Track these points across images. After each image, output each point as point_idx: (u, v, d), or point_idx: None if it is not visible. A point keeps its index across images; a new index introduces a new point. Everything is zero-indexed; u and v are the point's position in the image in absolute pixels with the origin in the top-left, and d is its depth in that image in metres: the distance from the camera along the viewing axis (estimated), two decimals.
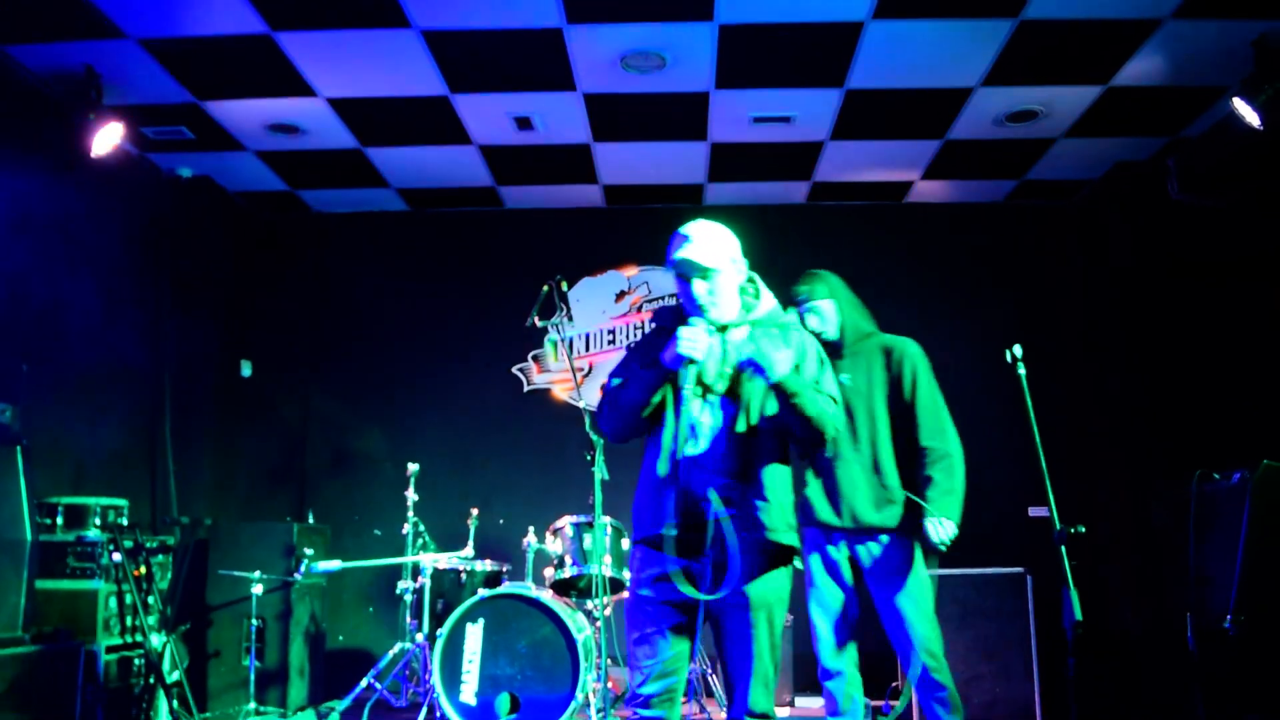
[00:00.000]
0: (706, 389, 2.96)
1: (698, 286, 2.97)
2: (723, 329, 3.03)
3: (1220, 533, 3.91)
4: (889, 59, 5.39)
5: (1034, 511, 6.93)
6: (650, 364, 2.96)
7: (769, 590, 2.90)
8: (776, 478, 2.95)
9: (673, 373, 2.90)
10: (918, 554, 3.88)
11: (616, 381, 3.08)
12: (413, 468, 5.69)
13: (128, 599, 5.12)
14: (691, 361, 2.85)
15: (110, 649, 5.00)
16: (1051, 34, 5.11)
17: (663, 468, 2.91)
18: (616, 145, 6.45)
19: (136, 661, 5.18)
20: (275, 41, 5.19)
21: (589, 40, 5.20)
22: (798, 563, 2.98)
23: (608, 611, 5.77)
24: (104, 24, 5.00)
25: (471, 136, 6.30)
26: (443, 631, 4.83)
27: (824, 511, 3.93)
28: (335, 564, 5.44)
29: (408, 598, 5.32)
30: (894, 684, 6.14)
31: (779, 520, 2.90)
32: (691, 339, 2.84)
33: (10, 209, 5.36)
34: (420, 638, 5.38)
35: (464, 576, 5.24)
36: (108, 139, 5.48)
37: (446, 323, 7.38)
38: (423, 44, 5.21)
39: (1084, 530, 3.04)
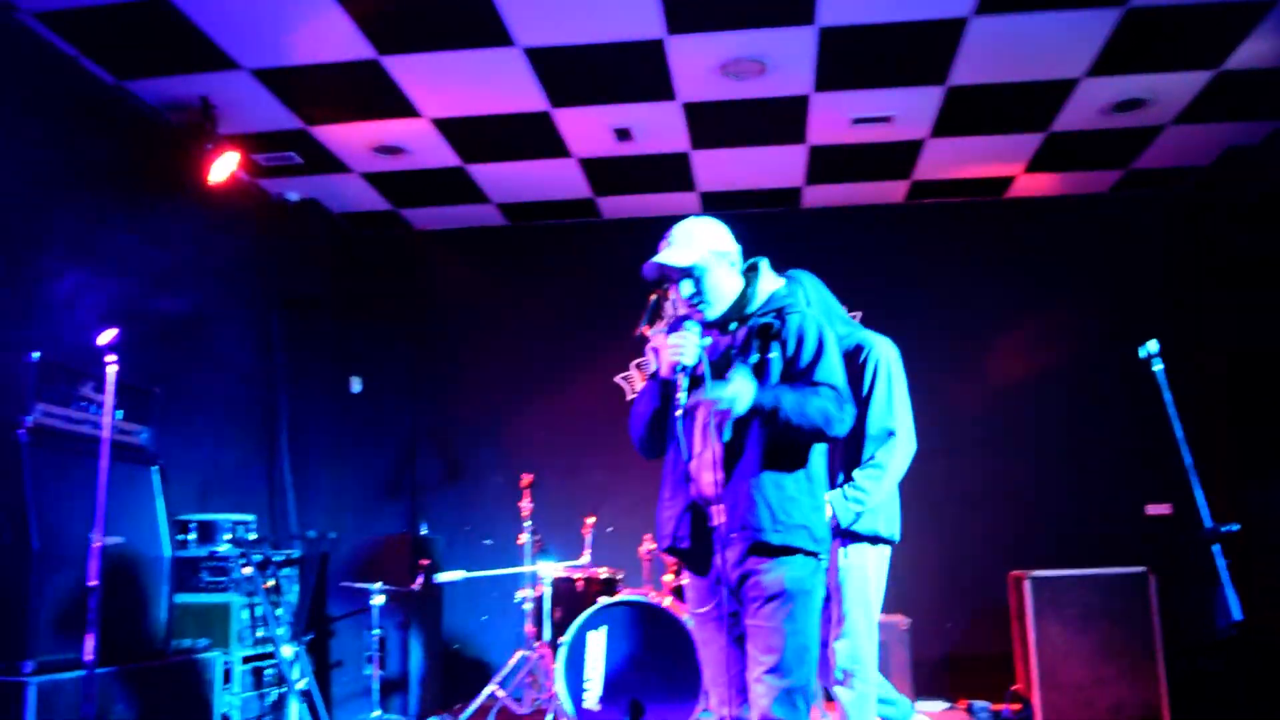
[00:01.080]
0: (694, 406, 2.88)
1: (683, 289, 2.95)
2: (724, 326, 3.00)
3: None
4: (992, 54, 5.31)
5: (1152, 509, 6.77)
6: (651, 375, 2.97)
7: (774, 581, 2.77)
8: (780, 480, 2.82)
9: (670, 385, 2.87)
10: None
11: (635, 404, 3.11)
12: (527, 478, 5.78)
13: (258, 610, 5.29)
14: (685, 369, 2.82)
15: (245, 659, 5.17)
16: (1160, 20, 5.00)
17: (671, 479, 2.94)
18: (715, 152, 6.48)
19: (268, 671, 5.35)
20: (382, 66, 5.32)
21: (689, 50, 5.23)
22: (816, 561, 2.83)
23: None
24: (219, 56, 5.19)
25: (571, 149, 6.39)
26: (565, 639, 4.89)
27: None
28: (459, 574, 5.54)
29: (527, 606, 5.40)
30: (1014, 687, 6.05)
31: (770, 520, 2.77)
32: (678, 346, 2.83)
33: (135, 237, 5.59)
34: (539, 645, 5.45)
35: (581, 584, 5.30)
36: (225, 167, 5.69)
37: (548, 333, 7.48)
38: (526, 61, 5.30)
39: (1237, 529, 2.96)
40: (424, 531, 6.80)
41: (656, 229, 7.58)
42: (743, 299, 3.02)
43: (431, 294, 7.66)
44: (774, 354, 2.91)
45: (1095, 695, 5.63)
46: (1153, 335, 6.79)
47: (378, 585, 5.83)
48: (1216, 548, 2.98)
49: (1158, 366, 3.39)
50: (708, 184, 6.99)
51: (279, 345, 6.84)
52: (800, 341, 2.91)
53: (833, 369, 2.90)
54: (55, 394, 4.24)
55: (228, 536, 5.38)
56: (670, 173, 6.77)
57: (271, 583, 5.41)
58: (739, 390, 2.75)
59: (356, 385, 7.42)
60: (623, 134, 6.16)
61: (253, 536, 5.52)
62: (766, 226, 7.38)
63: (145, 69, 5.34)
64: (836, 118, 6.02)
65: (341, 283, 7.41)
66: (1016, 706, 5.95)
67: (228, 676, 5.02)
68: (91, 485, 4.42)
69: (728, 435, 2.84)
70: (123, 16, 4.80)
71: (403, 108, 5.78)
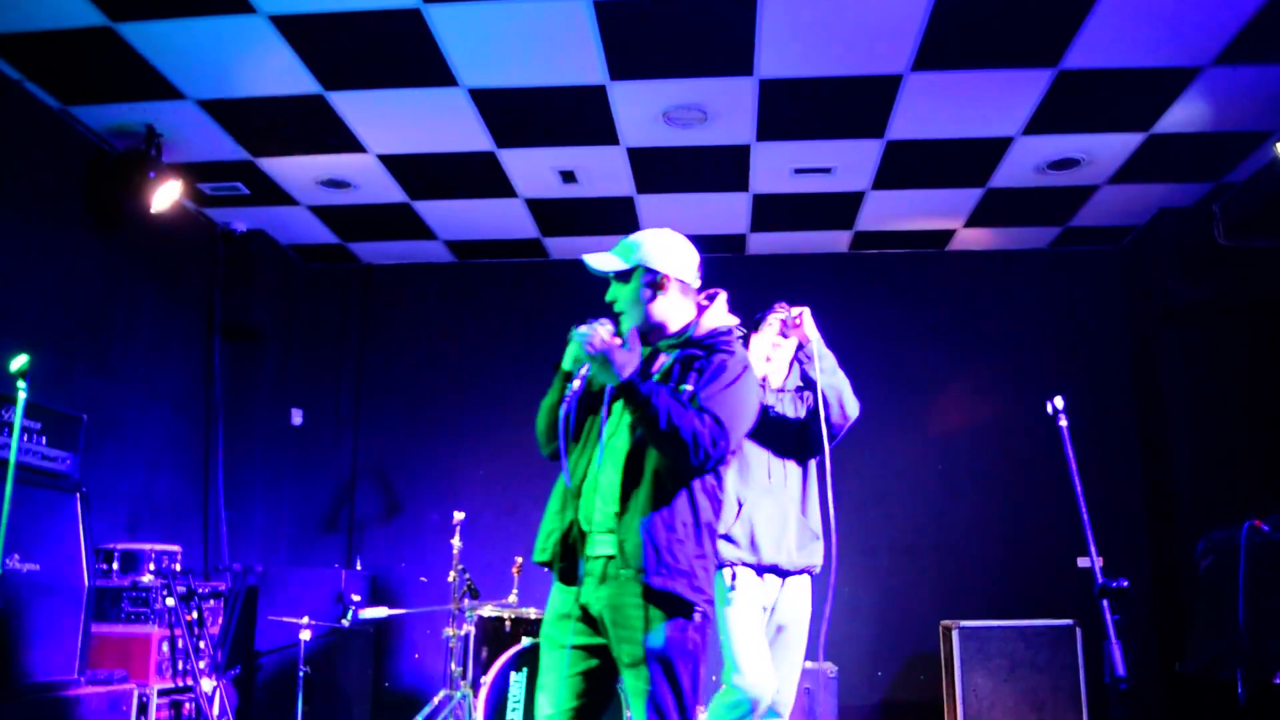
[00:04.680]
0: (603, 404, 2.74)
1: (610, 292, 2.89)
2: (654, 349, 2.88)
3: (1271, 587, 3.85)
4: (929, 110, 5.44)
5: (1083, 563, 6.83)
6: (554, 367, 2.83)
7: (656, 641, 2.55)
8: (667, 511, 2.62)
9: (570, 379, 2.72)
10: None
11: None
12: (459, 516, 5.77)
13: (179, 643, 5.21)
14: (586, 360, 2.65)
15: (163, 692, 5.09)
16: (1091, 83, 5.15)
17: (560, 484, 2.78)
18: (659, 197, 6.55)
19: (187, 705, 5.26)
20: (328, 101, 5.36)
21: (632, 96, 5.31)
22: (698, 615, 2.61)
23: None
24: (164, 85, 5.20)
25: (517, 190, 6.44)
26: (486, 679, 4.86)
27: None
28: (381, 611, 5.50)
29: (453, 644, 5.36)
30: None
31: (654, 561, 2.56)
32: (588, 335, 2.63)
33: (70, 263, 5.56)
34: (465, 685, 5.41)
35: (509, 624, 5.26)
36: (167, 195, 5.69)
37: (492, 371, 7.48)
38: (470, 102, 5.36)
39: (1126, 585, 3.00)
40: (358, 567, 6.74)
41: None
42: (685, 326, 2.88)
43: (377, 328, 7.66)
44: (687, 385, 2.73)
45: None
46: (1095, 389, 7.00)
47: (305, 620, 5.77)
48: (1105, 603, 3.01)
49: (1062, 422, 3.44)
50: (653, 226, 7.03)
51: (219, 375, 6.80)
52: (714, 374, 2.73)
53: (725, 403, 2.66)
54: None
55: (151, 567, 5.32)
56: (616, 215, 6.83)
57: (194, 615, 5.34)
58: (628, 357, 2.63)
59: (297, 418, 7.38)
60: (568, 176, 6.22)
61: (178, 568, 5.46)
62: (713, 271, 7.45)
63: (90, 95, 5.34)
64: (778, 167, 6.11)
65: (287, 315, 7.39)
66: None
67: (144, 709, 4.94)
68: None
69: (629, 446, 2.68)
70: (68, 42, 4.82)
71: (349, 143, 5.81)
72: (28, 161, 5.27)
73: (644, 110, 5.45)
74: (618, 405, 2.75)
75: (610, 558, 2.65)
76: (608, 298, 2.92)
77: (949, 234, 7.13)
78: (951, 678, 5.96)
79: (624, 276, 2.88)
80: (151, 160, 5.64)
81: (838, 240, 7.26)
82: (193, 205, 6.62)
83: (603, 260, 2.89)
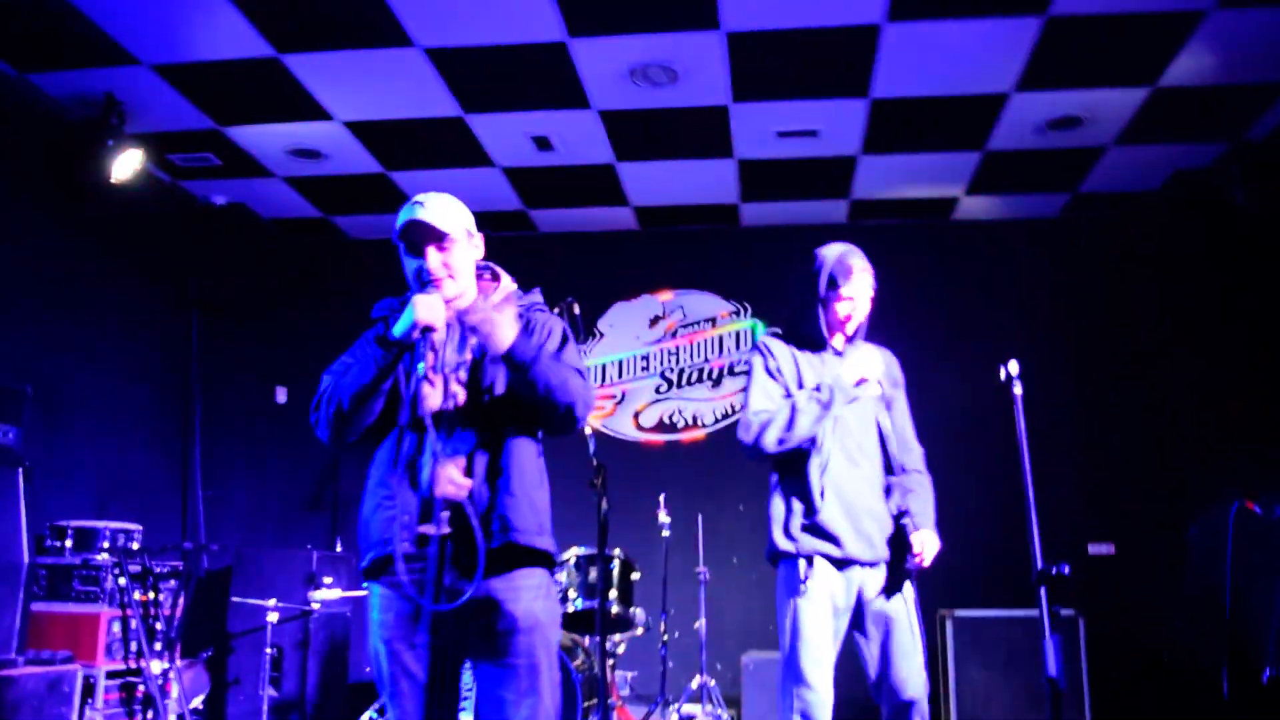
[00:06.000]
0: (444, 379, 2.51)
1: (431, 257, 2.56)
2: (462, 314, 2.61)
3: (1259, 570, 3.50)
4: (912, 65, 5.12)
5: (1095, 549, 6.47)
6: (378, 339, 2.50)
7: (535, 607, 2.48)
8: (529, 474, 2.54)
9: (404, 350, 2.46)
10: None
11: (332, 377, 2.63)
12: None
13: (132, 624, 5.08)
14: (429, 330, 2.41)
15: (112, 674, 4.96)
16: (1085, 31, 4.78)
17: (398, 465, 2.49)
18: (641, 165, 6.29)
19: (140, 687, 5.13)
20: (283, 64, 5.18)
21: (594, 54, 5.06)
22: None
23: (622, 649, 5.55)
24: (117, 50, 5.05)
25: (493, 158, 6.21)
26: None
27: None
28: (335, 593, 5.33)
29: None
30: None
31: (531, 521, 2.48)
32: (430, 304, 2.42)
33: (35, 236, 5.45)
34: None
35: None
36: (127, 165, 5.53)
37: None
38: (428, 62, 5.14)
39: (1067, 571, 2.70)
40: (338, 548, 6.59)
41: (592, 244, 7.49)
42: (486, 292, 2.74)
43: (363, 304, 7.46)
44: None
45: None
46: (1102, 362, 6.61)
47: (271, 602, 5.62)
48: (1043, 590, 2.71)
49: (1017, 389, 3.11)
50: (641, 198, 6.80)
51: (196, 352, 6.67)
52: (548, 334, 2.64)
53: (579, 361, 2.63)
54: None
55: (105, 545, 5.19)
56: (599, 185, 6.58)
57: (149, 595, 5.21)
58: (508, 319, 2.44)
59: (282, 395, 7.24)
60: (542, 143, 5.98)
61: (135, 546, 5.33)
62: (706, 244, 7.18)
63: (46, 63, 5.21)
64: (761, 130, 5.82)
65: (268, 290, 7.25)
66: None
67: (90, 691, 4.82)
68: None
69: (486, 415, 2.51)
70: (15, 6, 4.67)
71: (312, 109, 5.63)
72: None
73: (609, 69, 5.19)
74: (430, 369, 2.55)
75: None
76: (430, 261, 2.58)
77: (952, 202, 6.76)
78: (944, 669, 5.65)
79: (442, 236, 2.61)
80: (112, 129, 5.50)
81: (835, 210, 6.93)
82: (168, 178, 6.48)
83: (437, 216, 2.61)
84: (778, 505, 3.22)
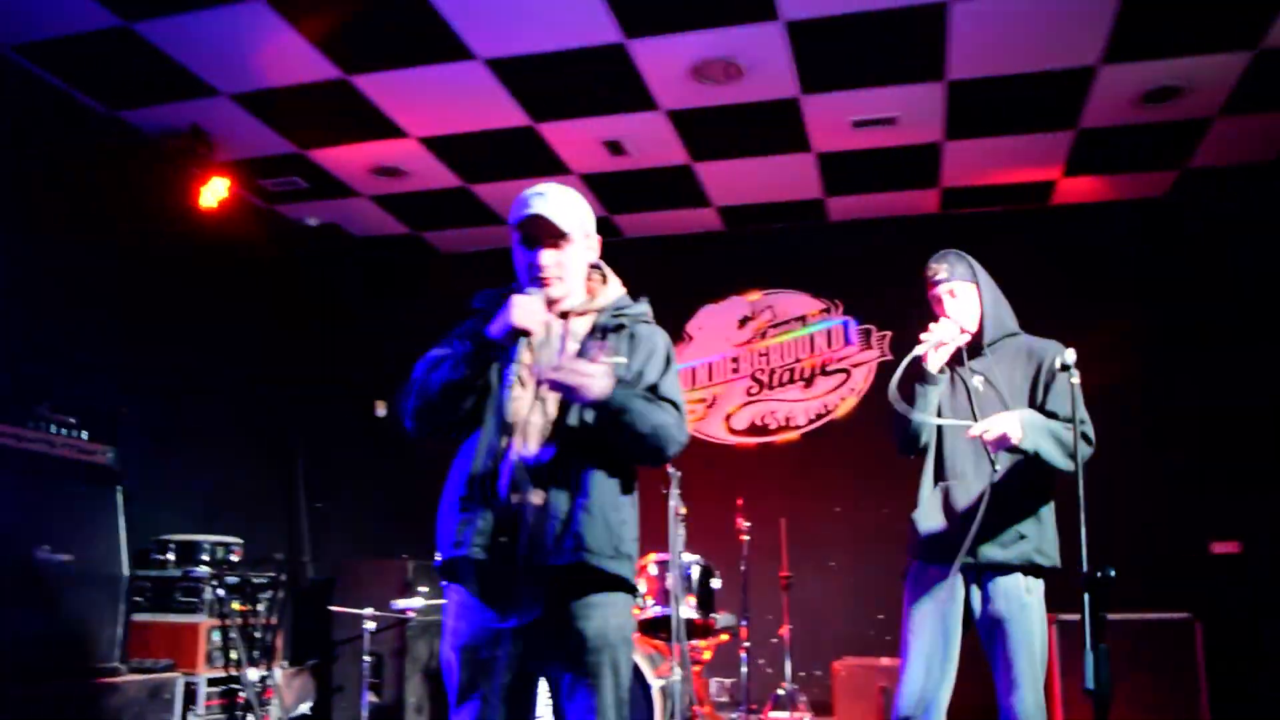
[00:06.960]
0: (536, 384, 2.42)
1: (546, 255, 2.47)
2: (564, 315, 2.54)
3: None
4: (986, 42, 4.87)
5: (1218, 548, 6.03)
6: (472, 337, 2.43)
7: (607, 626, 2.39)
8: (610, 494, 2.43)
9: (498, 351, 2.38)
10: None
11: (425, 366, 2.54)
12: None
13: (231, 634, 5.27)
14: (525, 333, 2.35)
15: (213, 681, 5.15)
16: None
17: (478, 468, 2.39)
18: (719, 164, 6.20)
19: (242, 694, 5.31)
20: (353, 85, 5.29)
21: (653, 53, 5.00)
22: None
23: (708, 655, 5.45)
24: (196, 83, 5.26)
25: (569, 166, 6.22)
26: None
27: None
28: (418, 601, 5.41)
29: None
30: None
31: (605, 542, 2.38)
32: (529, 307, 2.35)
33: (132, 265, 5.71)
34: None
35: None
36: (215, 191, 5.75)
37: None
38: (491, 74, 5.17)
39: (1113, 574, 2.48)
40: (438, 558, 6.68)
41: (678, 247, 7.41)
42: (593, 294, 2.63)
43: (456, 318, 7.59)
44: (619, 360, 2.50)
45: None
46: (1224, 351, 6.16)
47: (369, 611, 5.74)
48: (1087, 599, 2.50)
49: (1075, 379, 2.87)
50: (723, 198, 6.69)
51: (298, 370, 6.89)
52: (650, 355, 2.55)
53: (677, 389, 2.55)
54: (10, 413, 4.35)
55: (206, 558, 5.40)
56: (678, 187, 6.51)
57: (246, 605, 5.39)
58: (598, 372, 2.34)
59: (381, 409, 7.41)
60: (614, 147, 5.95)
61: (235, 559, 5.53)
62: (794, 242, 7.01)
63: (132, 99, 5.46)
64: (835, 121, 5.64)
65: (364, 307, 7.44)
66: None
67: (192, 697, 5.01)
68: (39, 502, 4.52)
69: (574, 425, 2.42)
70: (95, 47, 4.91)
71: (387, 128, 5.74)
72: (81, 166, 5.43)
73: (670, 68, 5.12)
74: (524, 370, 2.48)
75: None
76: (543, 263, 2.48)
77: (1050, 186, 6.43)
78: (1050, 676, 5.35)
79: (561, 235, 2.51)
80: (201, 157, 5.73)
81: (925, 200, 6.68)
82: (262, 203, 6.72)
83: (560, 216, 2.49)
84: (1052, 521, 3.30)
